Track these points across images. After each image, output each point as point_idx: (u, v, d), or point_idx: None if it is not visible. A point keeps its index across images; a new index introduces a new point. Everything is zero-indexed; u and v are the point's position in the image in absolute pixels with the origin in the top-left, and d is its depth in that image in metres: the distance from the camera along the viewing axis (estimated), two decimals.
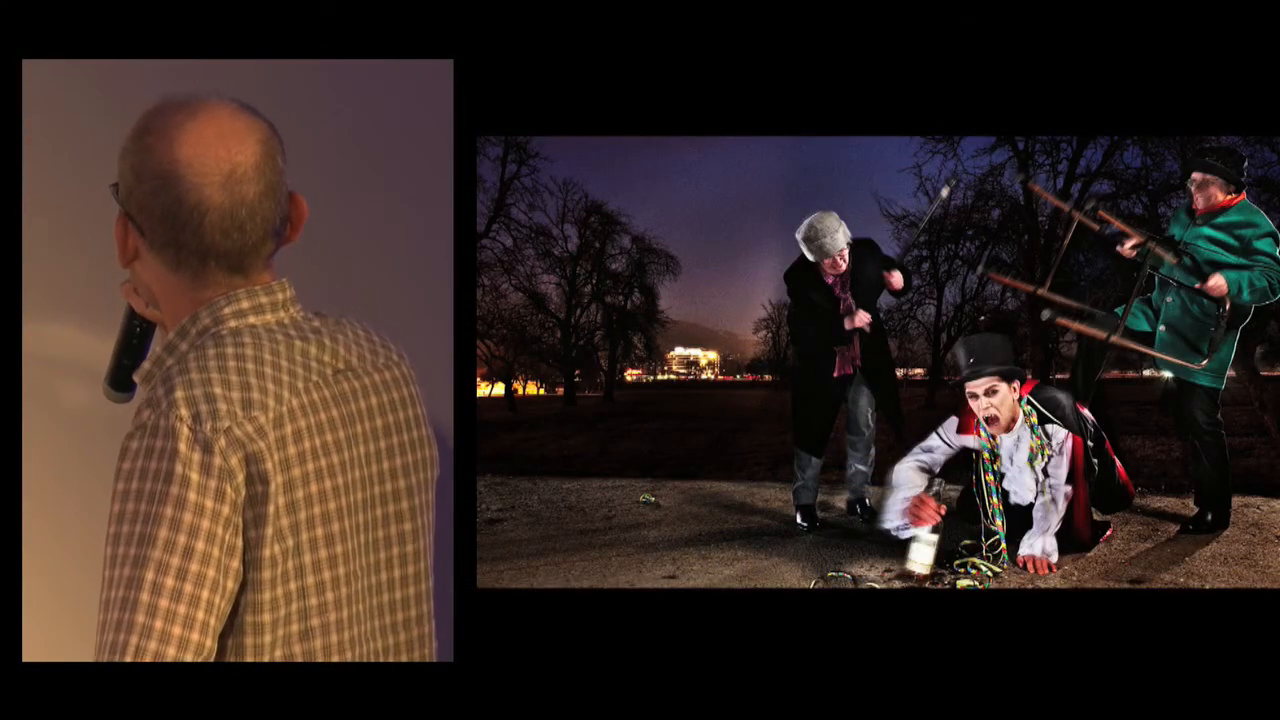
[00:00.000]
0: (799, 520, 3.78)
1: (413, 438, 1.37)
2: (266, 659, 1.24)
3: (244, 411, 1.22)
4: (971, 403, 3.07)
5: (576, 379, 22.52)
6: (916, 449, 3.24)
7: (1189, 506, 3.60)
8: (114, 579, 1.19)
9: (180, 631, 1.18)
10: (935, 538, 2.92)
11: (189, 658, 1.18)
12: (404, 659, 1.37)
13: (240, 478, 1.21)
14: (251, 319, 1.30)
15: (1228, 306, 3.21)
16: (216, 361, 1.24)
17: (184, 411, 1.20)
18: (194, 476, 1.19)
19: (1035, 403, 3.05)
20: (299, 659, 1.26)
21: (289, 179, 1.33)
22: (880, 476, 3.76)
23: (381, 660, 1.34)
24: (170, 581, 1.17)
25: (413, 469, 1.36)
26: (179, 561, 1.18)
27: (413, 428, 1.37)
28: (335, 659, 1.28)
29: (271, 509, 1.22)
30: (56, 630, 1.93)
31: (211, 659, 1.21)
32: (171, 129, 1.26)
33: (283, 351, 1.29)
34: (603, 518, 4.13)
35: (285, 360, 1.28)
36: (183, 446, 1.19)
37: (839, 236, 3.56)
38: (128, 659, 1.17)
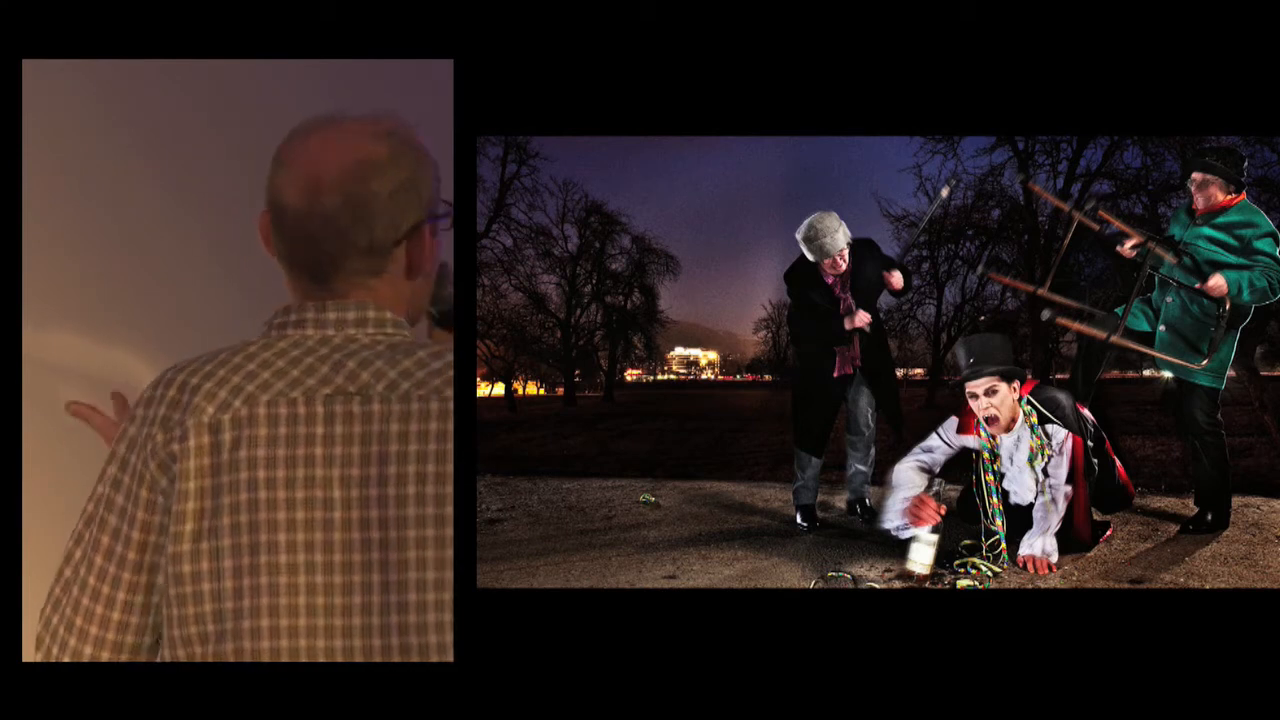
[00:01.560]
0: (799, 520, 3.78)
1: (436, 469, 1.27)
2: (167, 653, 1.28)
3: (179, 415, 1.27)
4: (971, 403, 3.07)
5: (576, 379, 22.53)
6: (916, 449, 3.24)
7: (1189, 506, 3.60)
8: (66, 553, 1.32)
9: (102, 610, 1.28)
10: (935, 538, 2.92)
11: (111, 636, 1.29)
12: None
13: (162, 482, 1.26)
14: (289, 331, 1.32)
15: (1227, 306, 3.21)
16: (199, 363, 1.31)
17: (138, 412, 1.30)
18: (125, 478, 1.29)
19: (1035, 403, 3.05)
20: (201, 659, 1.25)
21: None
22: (880, 476, 3.76)
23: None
24: (99, 560, 1.28)
25: (430, 500, 1.26)
26: (108, 540, 1.28)
27: (439, 460, 1.27)
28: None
29: (179, 508, 1.25)
30: None
31: (140, 643, 1.30)
32: (292, 136, 1.34)
33: (276, 364, 1.28)
34: (603, 518, 4.14)
35: (268, 373, 1.28)
36: (122, 447, 1.30)
37: (839, 236, 3.56)
38: (58, 641, 1.30)
